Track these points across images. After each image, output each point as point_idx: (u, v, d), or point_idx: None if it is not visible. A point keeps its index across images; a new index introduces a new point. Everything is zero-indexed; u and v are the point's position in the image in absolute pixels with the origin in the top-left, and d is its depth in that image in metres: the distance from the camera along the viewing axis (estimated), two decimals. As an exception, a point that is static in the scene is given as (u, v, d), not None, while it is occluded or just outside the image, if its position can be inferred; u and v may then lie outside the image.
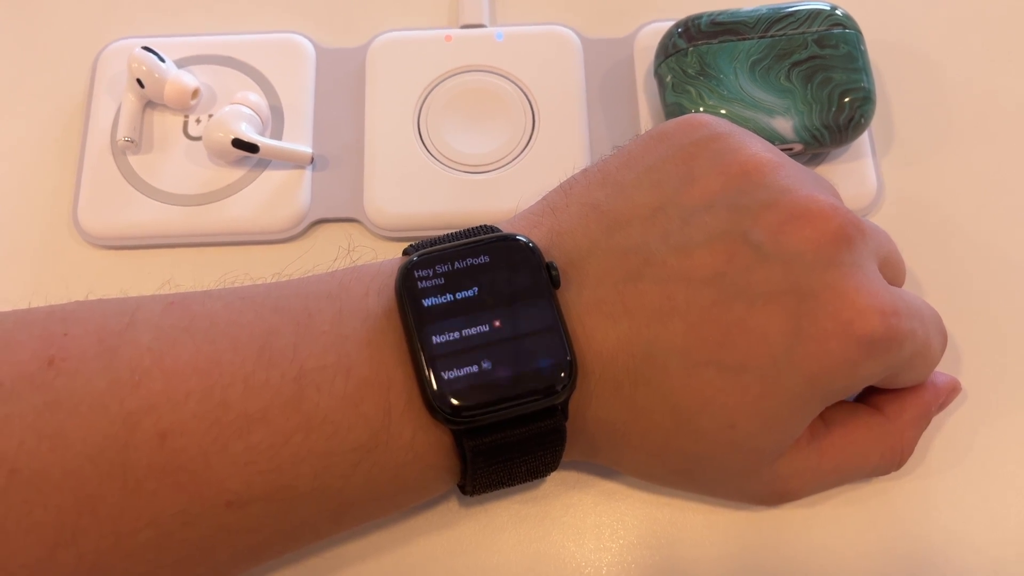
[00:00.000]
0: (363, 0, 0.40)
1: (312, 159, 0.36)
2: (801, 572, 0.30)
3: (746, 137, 0.29)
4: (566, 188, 0.29)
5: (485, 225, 0.28)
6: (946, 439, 0.32)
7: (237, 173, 0.36)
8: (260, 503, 0.24)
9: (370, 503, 0.26)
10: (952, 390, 0.31)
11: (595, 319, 0.26)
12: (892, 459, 0.30)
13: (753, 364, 0.25)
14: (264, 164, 0.36)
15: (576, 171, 0.30)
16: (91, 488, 0.23)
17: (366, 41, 0.38)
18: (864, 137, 0.36)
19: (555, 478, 0.31)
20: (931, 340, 0.28)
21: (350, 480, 0.25)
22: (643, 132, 0.30)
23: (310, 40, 0.38)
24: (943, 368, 0.31)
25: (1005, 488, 0.31)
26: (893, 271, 0.29)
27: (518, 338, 0.25)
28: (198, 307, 0.26)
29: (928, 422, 0.30)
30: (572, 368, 0.25)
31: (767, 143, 0.29)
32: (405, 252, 0.27)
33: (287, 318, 0.25)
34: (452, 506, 0.31)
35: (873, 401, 0.30)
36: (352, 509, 0.26)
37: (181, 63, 0.37)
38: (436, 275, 0.26)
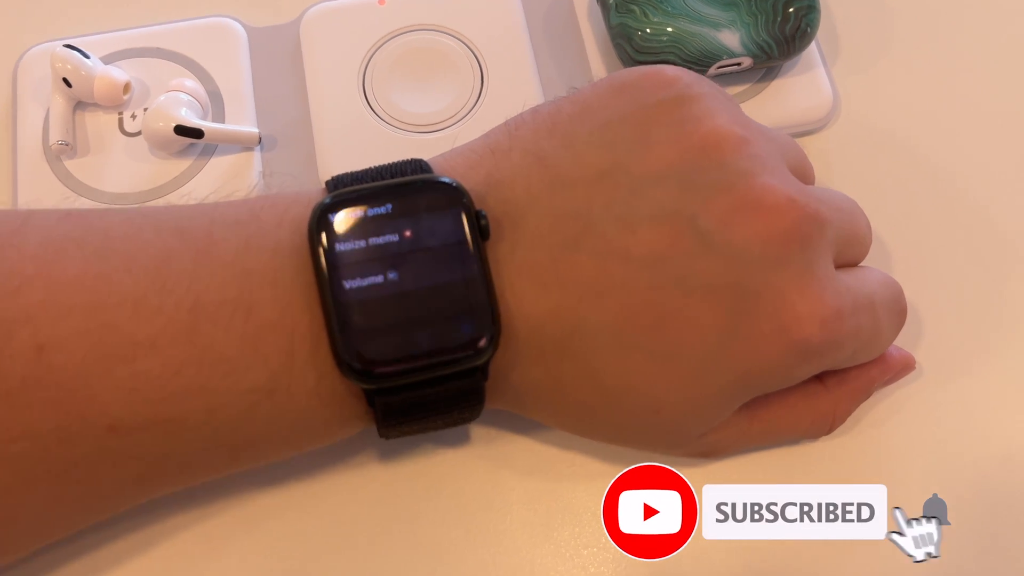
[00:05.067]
0: (287, -25, 0.38)
1: (260, 139, 0.34)
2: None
3: (716, 103, 0.26)
4: (511, 129, 0.27)
5: (415, 160, 0.26)
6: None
7: (183, 164, 0.34)
8: (145, 432, 0.23)
9: (270, 444, 0.25)
10: (904, 367, 0.30)
11: (525, 283, 0.25)
12: (822, 426, 0.29)
13: (683, 354, 0.24)
14: (211, 150, 0.34)
15: (526, 108, 0.28)
16: None
17: (297, 16, 0.37)
18: (812, 48, 0.36)
19: (514, 486, 0.30)
20: (881, 330, 0.27)
21: (247, 420, 0.24)
22: (603, 77, 0.27)
23: (239, 22, 0.37)
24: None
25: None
26: (857, 247, 0.28)
27: (439, 292, 0.23)
28: (95, 219, 0.24)
29: (868, 395, 0.30)
30: (495, 329, 0.24)
31: (740, 114, 0.27)
32: (326, 185, 0.25)
33: (188, 242, 0.24)
34: (407, 502, 0.30)
35: None
36: (250, 448, 0.25)
37: (107, 60, 0.35)
38: (354, 218, 0.24)
